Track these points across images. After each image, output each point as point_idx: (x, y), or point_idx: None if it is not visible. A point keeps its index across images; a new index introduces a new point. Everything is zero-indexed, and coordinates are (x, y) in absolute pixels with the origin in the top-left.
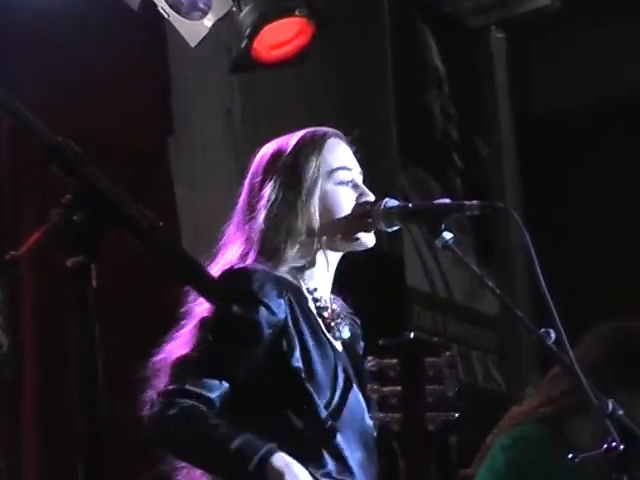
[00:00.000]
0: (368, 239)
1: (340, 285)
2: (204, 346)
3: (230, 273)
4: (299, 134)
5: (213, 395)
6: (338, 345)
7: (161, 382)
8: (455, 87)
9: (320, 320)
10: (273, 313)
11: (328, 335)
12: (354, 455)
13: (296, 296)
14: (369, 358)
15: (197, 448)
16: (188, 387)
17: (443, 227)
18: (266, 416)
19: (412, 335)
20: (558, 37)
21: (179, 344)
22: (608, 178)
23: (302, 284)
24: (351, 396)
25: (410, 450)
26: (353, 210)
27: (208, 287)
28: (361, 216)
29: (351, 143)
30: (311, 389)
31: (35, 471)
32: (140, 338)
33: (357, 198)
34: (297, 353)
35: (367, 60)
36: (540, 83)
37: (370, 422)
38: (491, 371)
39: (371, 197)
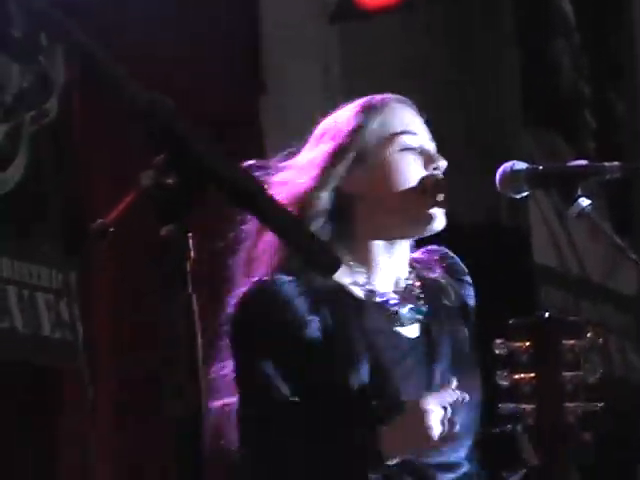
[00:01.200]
0: (439, 219)
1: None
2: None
3: (252, 294)
4: (357, 101)
5: None
6: (410, 331)
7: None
8: (586, 36)
9: (377, 313)
10: (301, 333)
11: (389, 326)
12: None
13: (338, 301)
14: (497, 341)
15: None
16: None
17: (579, 193)
18: None
19: (547, 314)
20: None
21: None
22: None
23: (347, 279)
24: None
25: (546, 446)
26: (422, 181)
27: (321, 259)
28: (433, 189)
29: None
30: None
31: (109, 464)
32: None
33: (425, 165)
34: (364, 367)
35: (484, 5)
36: None
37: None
38: (630, 358)
39: (443, 164)
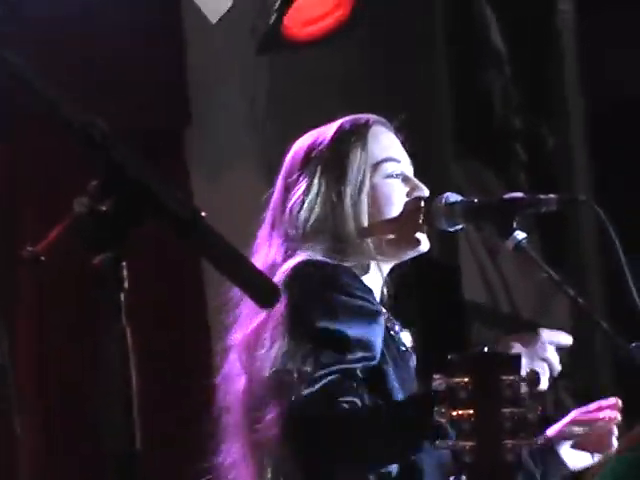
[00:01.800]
0: (424, 242)
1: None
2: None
3: (304, 268)
4: (336, 123)
5: None
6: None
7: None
8: (517, 68)
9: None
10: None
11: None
12: None
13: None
14: (435, 376)
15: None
16: None
17: (515, 226)
18: None
19: (485, 349)
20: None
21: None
22: None
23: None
24: None
25: None
26: (405, 207)
27: (261, 290)
28: (415, 214)
29: (397, 131)
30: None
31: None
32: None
33: (408, 193)
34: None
35: (416, 36)
36: (614, 65)
37: None
38: (561, 397)
39: (425, 191)
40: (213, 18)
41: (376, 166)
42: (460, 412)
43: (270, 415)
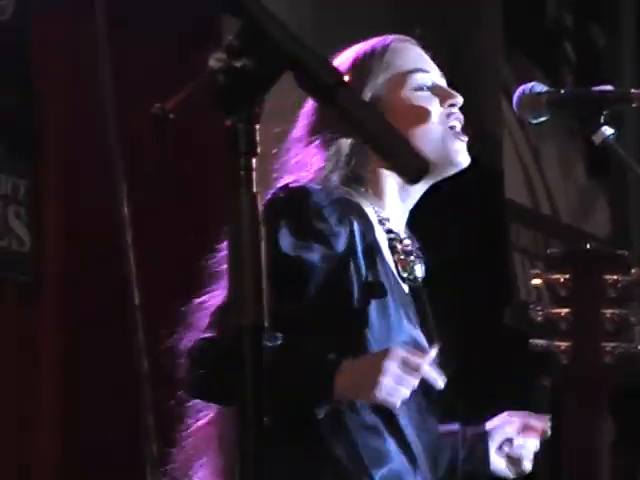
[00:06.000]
0: (464, 155)
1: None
2: None
3: (281, 194)
4: (354, 47)
5: None
6: (405, 287)
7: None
8: None
9: (392, 256)
10: (330, 246)
11: (396, 274)
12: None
13: (364, 224)
14: (533, 271)
15: None
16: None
17: (603, 120)
18: None
19: (588, 245)
20: None
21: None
22: None
23: (373, 211)
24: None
25: (580, 386)
26: (446, 116)
27: (406, 159)
28: (452, 125)
29: (426, 48)
30: (370, 338)
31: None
32: None
33: (441, 102)
34: (355, 293)
35: None
36: None
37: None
38: None
39: (459, 99)
40: None
41: (402, 78)
42: (558, 310)
43: None
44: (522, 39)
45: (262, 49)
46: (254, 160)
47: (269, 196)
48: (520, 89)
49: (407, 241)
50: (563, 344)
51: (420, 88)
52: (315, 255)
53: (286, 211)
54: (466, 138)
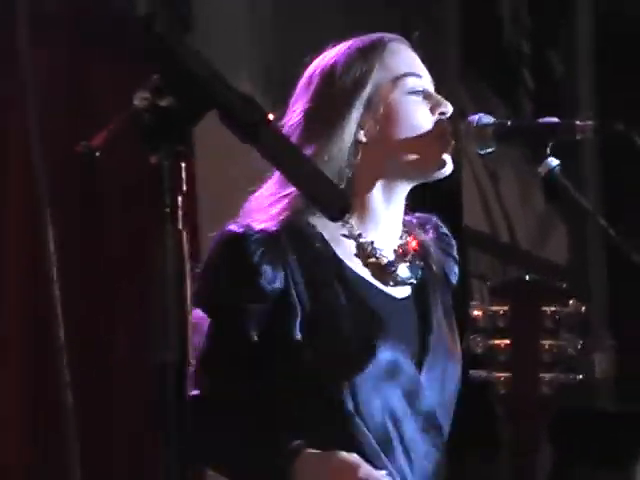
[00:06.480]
0: (449, 163)
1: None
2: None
3: (220, 240)
4: (347, 44)
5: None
6: (398, 292)
7: None
8: None
9: (368, 269)
10: (262, 291)
11: (378, 284)
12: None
13: (310, 254)
14: (473, 303)
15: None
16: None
17: (549, 151)
18: None
19: (527, 277)
20: None
21: None
22: None
23: (337, 228)
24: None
25: (519, 417)
26: (436, 124)
27: (327, 196)
28: (442, 133)
29: (415, 48)
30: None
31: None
32: None
33: (432, 110)
34: (298, 323)
35: None
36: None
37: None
38: None
39: (449, 108)
40: None
41: (396, 81)
42: (496, 342)
43: None
44: (480, 64)
45: (186, 88)
46: (179, 197)
47: (215, 237)
48: (467, 120)
49: (388, 250)
50: (503, 375)
51: (413, 92)
52: (249, 302)
53: (220, 261)
54: (452, 147)
